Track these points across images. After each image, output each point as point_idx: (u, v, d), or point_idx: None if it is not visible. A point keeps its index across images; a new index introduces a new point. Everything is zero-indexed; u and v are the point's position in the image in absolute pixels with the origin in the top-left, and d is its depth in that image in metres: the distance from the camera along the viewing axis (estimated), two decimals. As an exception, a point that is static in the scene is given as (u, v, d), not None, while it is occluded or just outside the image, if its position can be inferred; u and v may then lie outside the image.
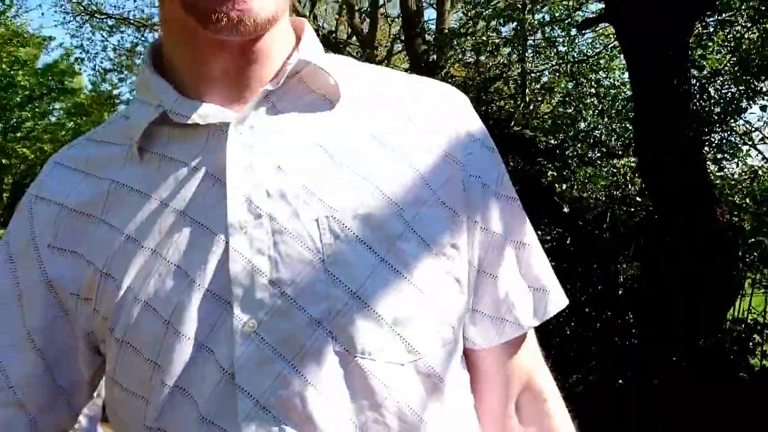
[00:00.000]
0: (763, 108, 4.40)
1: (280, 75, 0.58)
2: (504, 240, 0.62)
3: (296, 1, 11.55)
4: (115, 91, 15.84)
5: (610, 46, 5.90)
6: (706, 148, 4.28)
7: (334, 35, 8.48)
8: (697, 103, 4.15)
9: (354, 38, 9.77)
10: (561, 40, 6.18)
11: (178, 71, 0.60)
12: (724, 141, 4.50)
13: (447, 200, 0.58)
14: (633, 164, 4.29)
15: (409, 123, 0.60)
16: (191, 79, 0.59)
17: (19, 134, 14.38)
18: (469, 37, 6.53)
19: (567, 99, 5.28)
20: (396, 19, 9.27)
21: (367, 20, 9.13)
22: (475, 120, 0.64)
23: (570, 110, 5.18)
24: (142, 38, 14.95)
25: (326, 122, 0.59)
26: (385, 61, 8.52)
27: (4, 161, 14.62)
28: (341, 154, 0.57)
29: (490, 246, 0.62)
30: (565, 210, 4.17)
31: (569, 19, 5.72)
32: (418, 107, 0.62)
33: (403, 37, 6.93)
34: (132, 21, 14.46)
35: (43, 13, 29.10)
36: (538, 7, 6.15)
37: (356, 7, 9.47)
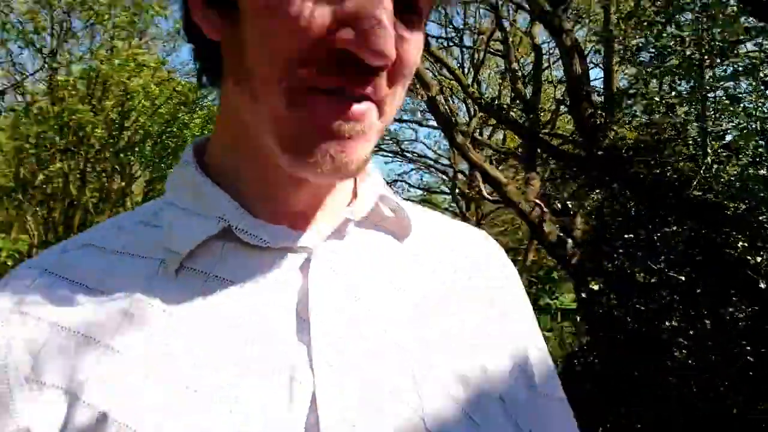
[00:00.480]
0: None
1: (358, 205, 0.55)
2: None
3: (459, 71, 11.89)
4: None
5: (809, 99, 5.27)
6: None
7: (497, 101, 8.58)
8: None
9: (517, 102, 9.80)
10: (747, 95, 5.66)
11: (238, 188, 0.52)
12: None
13: (521, 373, 0.57)
14: None
15: (469, 275, 0.59)
16: (257, 201, 0.52)
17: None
18: (640, 97, 6.23)
19: (758, 159, 4.77)
20: (560, 82, 9.16)
21: (531, 84, 9.12)
22: (515, 271, 0.66)
23: (762, 171, 4.67)
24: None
25: (398, 261, 0.55)
26: (549, 125, 8.39)
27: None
28: (421, 302, 0.53)
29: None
30: (762, 285, 3.70)
31: (756, 72, 5.24)
32: (470, 257, 0.61)
33: (568, 101, 6.81)
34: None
35: None
36: (718, 61, 5.73)
37: (519, 72, 9.54)
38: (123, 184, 13.25)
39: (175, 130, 13.06)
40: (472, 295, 0.57)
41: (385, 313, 0.51)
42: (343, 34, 0.43)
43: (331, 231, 0.52)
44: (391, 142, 18.28)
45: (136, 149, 12.36)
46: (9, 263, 9.87)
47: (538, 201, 7.48)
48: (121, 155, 11.65)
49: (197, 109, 13.57)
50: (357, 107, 0.45)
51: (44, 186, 9.76)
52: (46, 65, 9.12)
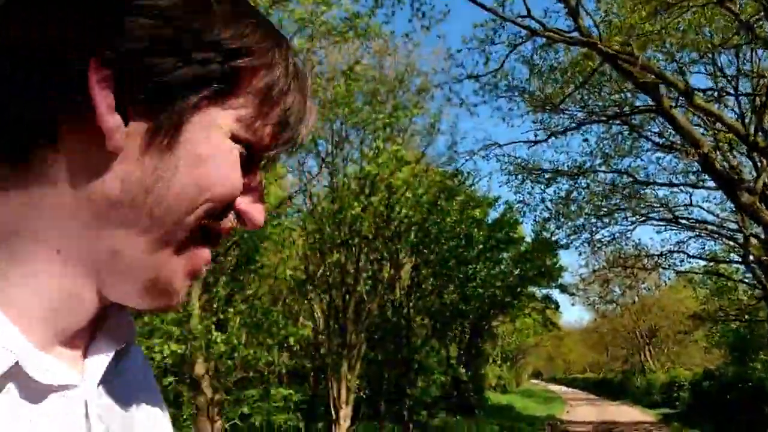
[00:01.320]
0: None
1: (116, 329, 0.50)
2: None
3: (738, 122, 10.46)
4: (554, 237, 16.81)
5: None
6: None
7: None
8: None
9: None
10: None
11: None
12: None
13: None
14: None
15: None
16: (29, 326, 0.43)
17: (473, 284, 16.45)
18: None
19: None
20: None
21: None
22: None
23: None
24: (576, 185, 15.77)
25: (137, 383, 0.55)
26: None
27: (461, 307, 16.82)
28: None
29: None
30: None
31: None
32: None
33: None
34: (566, 171, 15.49)
35: (490, 177, 34.39)
36: None
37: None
38: (392, 271, 14.27)
39: (435, 217, 13.80)
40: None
41: None
42: (245, 201, 0.50)
43: (106, 366, 0.48)
44: (662, 209, 16.63)
45: (402, 238, 13.31)
46: (296, 347, 11.20)
47: None
48: (389, 244, 12.60)
49: (455, 196, 14.21)
50: (210, 254, 0.50)
51: (327, 276, 10.95)
52: (325, 168, 10.50)
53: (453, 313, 17.03)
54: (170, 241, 0.45)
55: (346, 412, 10.21)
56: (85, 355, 0.47)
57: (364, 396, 13.13)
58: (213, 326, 6.91)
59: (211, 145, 0.45)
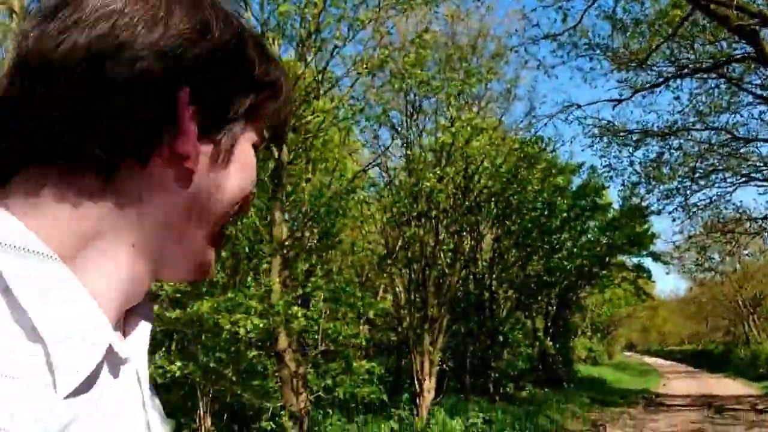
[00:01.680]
0: None
1: (147, 313, 0.58)
2: None
3: None
4: (644, 203, 15.93)
5: None
6: None
7: None
8: None
9: None
10: None
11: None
12: None
13: None
14: None
15: None
16: (103, 300, 0.50)
17: (559, 255, 15.88)
18: None
19: None
20: None
21: None
22: None
23: None
24: (667, 146, 14.82)
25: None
26: None
27: (545, 278, 16.32)
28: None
29: None
30: None
31: None
32: None
33: None
34: (656, 132, 14.56)
35: (571, 142, 33.08)
36: None
37: None
38: (473, 243, 14.02)
39: (515, 186, 13.38)
40: None
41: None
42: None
43: (146, 342, 0.57)
44: (765, 168, 15.34)
45: (482, 209, 13.01)
46: (378, 322, 11.28)
47: None
48: (468, 215, 12.36)
49: (535, 163, 13.69)
50: None
51: (406, 250, 10.89)
52: (400, 140, 10.39)
53: (538, 284, 16.58)
54: (213, 230, 0.57)
55: (429, 385, 10.21)
56: (123, 330, 0.56)
57: (447, 369, 13.08)
58: (294, 301, 7.02)
59: (248, 156, 0.59)
